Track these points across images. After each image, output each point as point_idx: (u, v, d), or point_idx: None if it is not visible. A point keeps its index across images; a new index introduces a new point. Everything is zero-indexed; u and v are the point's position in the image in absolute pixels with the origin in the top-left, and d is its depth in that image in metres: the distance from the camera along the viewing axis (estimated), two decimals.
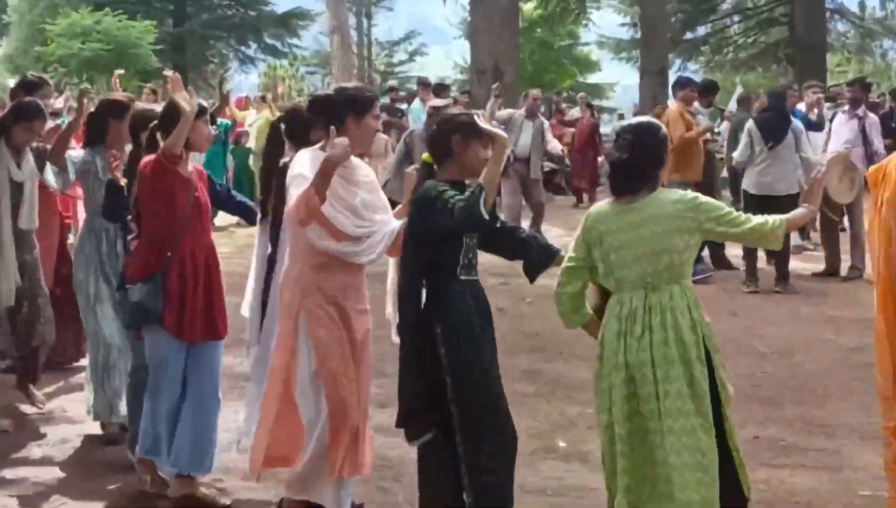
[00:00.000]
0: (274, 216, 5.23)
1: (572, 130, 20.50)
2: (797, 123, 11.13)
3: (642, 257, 4.15)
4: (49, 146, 6.67)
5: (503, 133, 4.34)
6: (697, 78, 18.18)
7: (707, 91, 12.13)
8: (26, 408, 6.87)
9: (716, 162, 12.40)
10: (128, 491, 5.49)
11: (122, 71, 12.25)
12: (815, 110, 12.50)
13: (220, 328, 5.33)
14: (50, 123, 7.66)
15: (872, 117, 11.82)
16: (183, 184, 5.16)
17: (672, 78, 20.88)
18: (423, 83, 18.26)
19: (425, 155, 4.48)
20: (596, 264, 4.28)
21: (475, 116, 4.35)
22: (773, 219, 4.27)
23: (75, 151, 6.20)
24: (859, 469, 5.76)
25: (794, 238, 11.99)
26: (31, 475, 5.80)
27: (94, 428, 6.35)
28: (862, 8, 36.11)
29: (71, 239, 8.15)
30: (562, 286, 4.38)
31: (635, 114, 19.72)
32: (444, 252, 4.34)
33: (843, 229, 11.75)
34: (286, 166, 4.80)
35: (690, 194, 4.31)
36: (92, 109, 6.34)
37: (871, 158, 11.05)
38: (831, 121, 12.20)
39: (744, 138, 10.89)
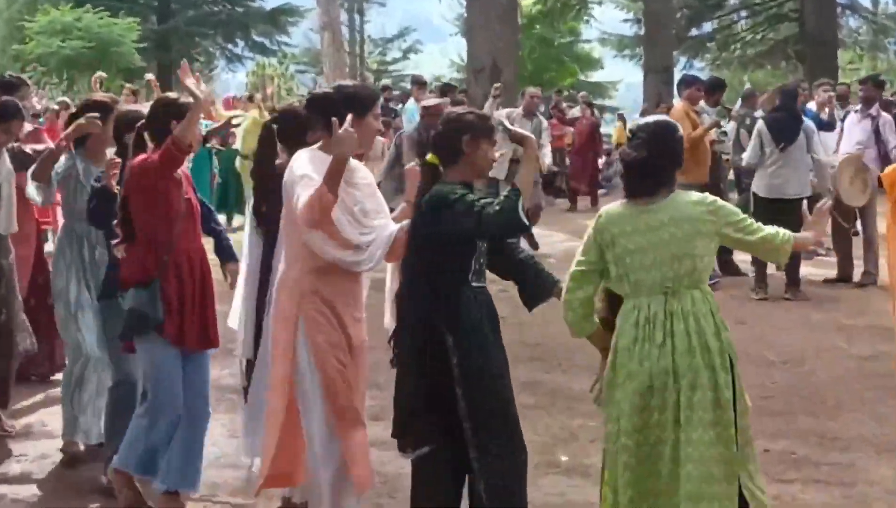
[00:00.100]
0: (269, 222, 5.18)
1: (572, 129, 20.54)
2: (809, 122, 11.09)
3: (662, 261, 4.14)
4: (28, 148, 6.66)
5: (532, 135, 4.34)
6: (703, 76, 18.20)
7: (713, 90, 12.12)
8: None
9: (723, 164, 12.41)
10: None
11: (103, 74, 12.28)
12: (827, 109, 12.50)
13: (213, 337, 5.32)
14: (28, 126, 7.64)
15: (886, 117, 11.81)
16: (176, 184, 5.16)
17: (677, 76, 20.90)
18: (417, 82, 18.23)
19: (430, 156, 4.47)
20: (608, 266, 4.25)
21: (503, 118, 4.37)
22: (782, 233, 4.29)
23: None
24: (874, 484, 5.75)
25: None
26: (10, 492, 5.79)
27: None
28: (874, 3, 36.31)
29: (48, 246, 8.10)
30: (571, 292, 4.33)
31: (642, 113, 19.74)
32: (457, 256, 4.34)
33: (856, 233, 11.75)
34: (281, 169, 4.79)
35: (709, 196, 4.31)
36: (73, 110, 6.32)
37: (885, 159, 11.04)
38: (843, 120, 12.20)
39: (754, 139, 10.83)
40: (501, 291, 10.77)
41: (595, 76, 41.78)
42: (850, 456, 6.19)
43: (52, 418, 6.84)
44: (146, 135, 5.17)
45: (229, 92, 22.90)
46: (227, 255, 5.72)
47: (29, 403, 7.25)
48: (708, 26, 35.99)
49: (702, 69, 35.16)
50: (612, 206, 4.32)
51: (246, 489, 5.53)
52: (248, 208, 5.47)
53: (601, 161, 22.16)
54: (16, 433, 6.67)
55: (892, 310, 5.17)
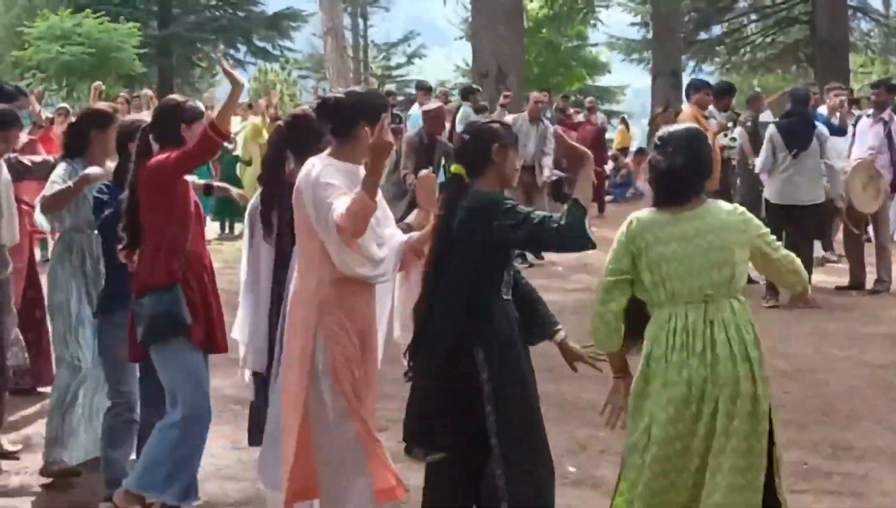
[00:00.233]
0: (282, 231, 5.09)
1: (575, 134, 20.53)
2: (822, 128, 11.05)
3: (700, 269, 4.13)
4: (27, 160, 6.65)
5: (588, 151, 4.34)
6: (712, 80, 18.22)
7: (722, 94, 12.10)
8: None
9: (732, 170, 12.39)
10: None
11: (102, 84, 12.26)
12: (838, 114, 12.49)
13: (224, 340, 5.30)
14: (24, 137, 7.64)
15: None
16: (186, 186, 5.17)
17: (686, 80, 20.91)
18: (422, 88, 18.23)
19: (455, 166, 4.44)
20: (640, 275, 4.22)
21: (558, 130, 4.38)
22: (798, 261, 4.38)
23: (55, 171, 6.00)
24: (887, 494, 5.75)
25: (817, 249, 11.98)
26: (10, 505, 5.78)
27: None
28: (886, 5, 36.29)
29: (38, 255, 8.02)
30: (605, 304, 4.27)
31: (652, 118, 19.71)
32: (493, 266, 4.33)
33: (868, 240, 11.74)
34: (292, 177, 4.77)
35: (738, 207, 4.36)
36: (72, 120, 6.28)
37: None
38: (855, 125, 12.19)
39: (766, 145, 10.77)
40: None
41: (602, 81, 41.80)
42: (864, 466, 6.18)
43: None
44: (151, 138, 5.13)
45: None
46: None
47: (25, 414, 7.22)
48: (717, 29, 36.01)
49: (711, 73, 35.24)
50: (643, 213, 4.29)
51: (247, 501, 5.53)
52: (247, 215, 5.34)
53: (608, 167, 22.13)
54: (18, 449, 6.63)
55: None
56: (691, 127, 4.52)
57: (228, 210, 16.39)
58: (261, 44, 35.93)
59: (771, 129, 10.87)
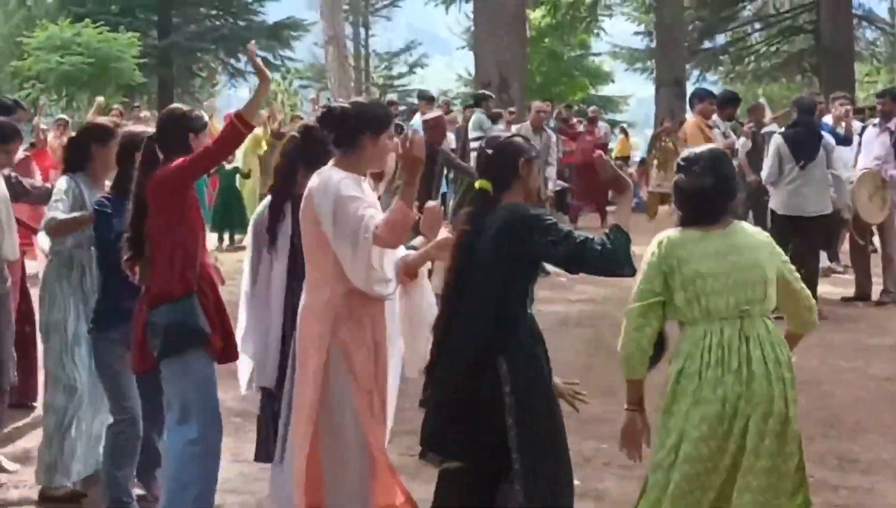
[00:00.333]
0: (294, 242, 5.04)
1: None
2: (829, 138, 11.03)
3: (736, 285, 4.15)
4: (26, 183, 6.66)
5: (626, 177, 4.37)
6: (716, 90, 18.22)
7: (726, 103, 12.12)
8: None
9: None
10: None
11: (102, 99, 12.25)
12: (843, 124, 12.50)
13: (236, 349, 5.26)
14: (19, 154, 7.63)
15: None
16: (193, 192, 5.15)
17: (689, 90, 20.93)
18: (424, 98, 18.24)
19: (481, 182, 4.44)
20: (673, 294, 4.21)
21: (602, 155, 4.41)
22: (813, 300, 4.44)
23: (58, 184, 5.96)
24: (893, 507, 5.75)
25: (823, 260, 11.99)
26: None
27: None
28: (892, 14, 36.31)
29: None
30: (641, 330, 4.23)
31: (658, 125, 19.69)
32: (523, 281, 4.34)
33: (874, 250, 11.74)
34: (300, 190, 4.76)
35: (762, 230, 4.45)
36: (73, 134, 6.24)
37: None
38: (861, 135, 12.19)
39: (772, 156, 10.72)
40: None
41: (606, 90, 41.85)
42: (870, 479, 6.18)
43: None
44: (157, 148, 5.09)
45: (235, 108, 22.83)
46: None
47: (20, 425, 7.21)
48: (721, 39, 36.06)
49: (715, 83, 35.25)
50: (671, 232, 4.30)
51: None
52: (253, 226, 5.31)
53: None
54: (13, 461, 6.61)
55: None
56: (714, 148, 4.59)
57: (228, 222, 16.44)
58: (261, 53, 35.66)
59: (777, 139, 10.78)
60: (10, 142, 6.45)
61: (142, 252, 5.05)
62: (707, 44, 35.68)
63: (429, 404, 4.47)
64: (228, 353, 5.14)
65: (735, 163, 11.99)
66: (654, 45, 33.63)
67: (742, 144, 12.01)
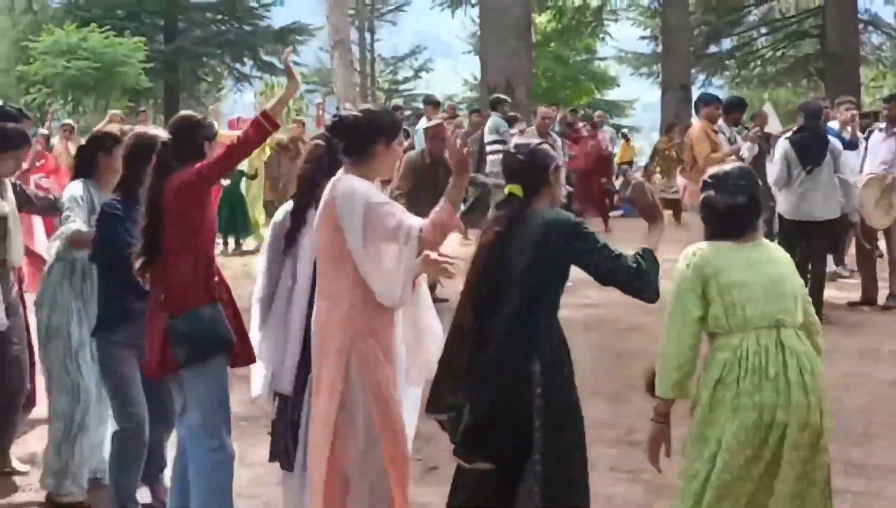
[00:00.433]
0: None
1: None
2: (836, 142, 11.01)
3: (770, 295, 4.20)
4: (30, 192, 6.67)
5: (663, 213, 4.47)
6: (722, 94, 18.21)
7: (732, 108, 12.08)
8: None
9: None
10: None
11: (118, 112, 12.22)
12: (849, 128, 12.48)
13: (252, 353, 5.23)
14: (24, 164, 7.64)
15: None
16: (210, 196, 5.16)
17: (695, 94, 20.92)
18: (430, 102, 18.21)
19: (513, 187, 4.47)
20: (710, 304, 4.23)
21: (641, 182, 4.49)
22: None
23: (71, 188, 5.92)
24: None
25: (829, 264, 11.96)
26: None
27: None
28: None
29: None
30: (693, 349, 4.25)
31: (665, 130, 19.69)
32: (556, 287, 4.39)
33: (881, 255, 11.72)
34: (318, 196, 4.76)
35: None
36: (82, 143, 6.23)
37: None
38: (867, 139, 12.17)
39: (780, 161, 10.68)
40: None
41: (611, 95, 41.91)
42: (877, 485, 6.18)
43: None
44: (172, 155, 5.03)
45: (240, 113, 22.85)
46: None
47: (25, 428, 7.21)
48: (727, 43, 36.11)
49: (720, 87, 35.33)
50: (701, 245, 4.33)
51: None
52: (273, 231, 5.24)
53: (618, 182, 22.13)
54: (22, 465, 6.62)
55: None
56: (743, 166, 4.65)
57: (232, 226, 16.43)
58: (267, 58, 35.94)
59: (785, 144, 10.70)
60: (20, 148, 6.46)
61: (154, 259, 4.97)
62: (713, 48, 35.73)
63: (460, 404, 4.47)
64: (246, 358, 5.12)
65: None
66: (659, 49, 33.66)
67: (748, 148, 11.96)
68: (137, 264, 4.97)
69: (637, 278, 4.20)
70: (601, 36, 38.57)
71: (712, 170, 4.49)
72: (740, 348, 4.17)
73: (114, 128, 6.69)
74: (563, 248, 4.27)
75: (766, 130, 13.64)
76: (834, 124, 12.62)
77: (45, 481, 5.98)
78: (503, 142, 12.96)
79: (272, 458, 5.24)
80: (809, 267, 10.24)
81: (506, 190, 4.51)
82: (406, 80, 45.47)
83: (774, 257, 4.32)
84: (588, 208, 19.71)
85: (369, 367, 4.53)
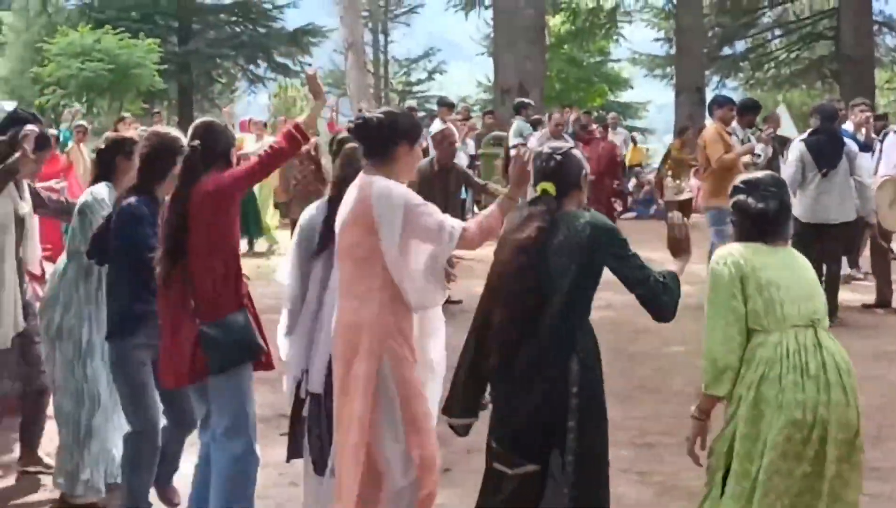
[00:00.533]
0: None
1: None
2: (851, 144, 10.97)
3: (805, 295, 4.30)
4: (45, 196, 6.70)
5: (689, 235, 4.58)
6: (736, 96, 18.19)
7: (746, 110, 12.06)
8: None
9: None
10: None
11: (129, 115, 12.13)
12: (864, 130, 12.45)
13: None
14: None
15: None
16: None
17: (709, 96, 20.88)
18: (444, 104, 18.22)
19: (547, 185, 4.49)
20: (749, 303, 4.28)
21: (683, 219, 4.61)
22: None
23: (97, 190, 5.92)
24: None
25: (843, 266, 11.94)
26: None
27: None
28: None
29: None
30: (741, 348, 4.30)
31: (678, 133, 19.64)
32: (591, 290, 4.41)
33: (895, 258, 11.69)
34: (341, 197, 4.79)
35: None
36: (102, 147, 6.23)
37: None
38: (881, 141, 12.14)
39: (795, 163, 10.63)
40: None
41: (625, 96, 41.85)
42: (890, 486, 6.18)
43: None
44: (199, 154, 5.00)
45: (253, 114, 22.77)
46: None
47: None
48: (741, 45, 36.04)
49: (735, 89, 35.26)
50: (734, 246, 4.42)
51: None
52: (302, 231, 5.22)
53: (630, 184, 22.12)
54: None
55: None
56: (775, 174, 4.76)
57: (245, 228, 16.42)
58: (281, 60, 36.04)
59: (800, 146, 10.64)
60: (40, 150, 6.48)
61: (176, 265, 4.93)
62: (727, 50, 35.67)
63: (499, 405, 4.48)
64: (269, 362, 5.12)
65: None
66: (673, 51, 33.61)
67: (762, 149, 11.94)
68: (161, 271, 4.95)
69: (663, 291, 4.30)
70: (615, 38, 38.55)
71: (744, 176, 4.61)
72: (780, 345, 4.21)
73: (133, 133, 6.70)
74: (606, 252, 4.33)
75: (779, 132, 13.62)
76: (848, 126, 12.59)
77: (56, 480, 6.00)
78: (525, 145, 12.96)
79: (290, 457, 5.27)
80: (824, 269, 10.23)
81: (538, 188, 4.53)
82: (419, 81, 45.49)
83: (801, 261, 4.43)
84: (598, 210, 19.69)
85: (401, 366, 4.57)
